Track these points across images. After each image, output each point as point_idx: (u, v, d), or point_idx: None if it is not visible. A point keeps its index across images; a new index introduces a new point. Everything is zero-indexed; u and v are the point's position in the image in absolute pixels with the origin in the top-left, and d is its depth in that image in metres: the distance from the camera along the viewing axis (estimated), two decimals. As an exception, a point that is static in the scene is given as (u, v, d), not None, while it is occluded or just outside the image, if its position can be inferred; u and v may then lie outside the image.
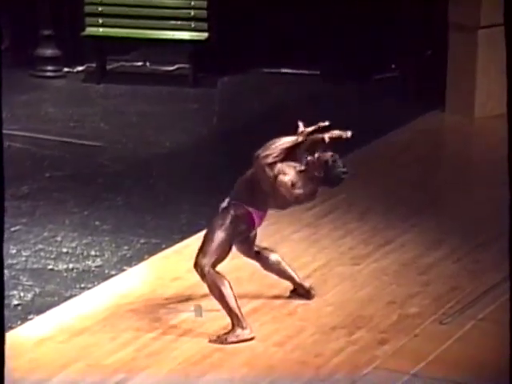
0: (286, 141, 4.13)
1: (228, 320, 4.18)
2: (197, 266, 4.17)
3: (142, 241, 5.17)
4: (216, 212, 4.24)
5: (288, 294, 4.46)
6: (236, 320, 4.12)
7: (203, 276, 4.15)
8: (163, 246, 5.06)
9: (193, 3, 7.71)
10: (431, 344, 4.11)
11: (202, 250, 4.18)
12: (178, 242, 5.07)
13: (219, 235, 4.15)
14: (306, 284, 4.47)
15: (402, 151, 6.46)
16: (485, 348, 4.01)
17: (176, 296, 4.49)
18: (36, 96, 7.44)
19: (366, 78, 7.65)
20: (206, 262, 4.14)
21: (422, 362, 3.99)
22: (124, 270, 4.84)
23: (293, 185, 4.11)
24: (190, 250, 4.99)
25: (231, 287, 4.12)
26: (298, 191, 4.13)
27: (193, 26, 7.70)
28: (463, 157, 6.47)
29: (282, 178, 4.09)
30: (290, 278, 4.44)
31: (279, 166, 4.11)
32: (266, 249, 4.40)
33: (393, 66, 7.80)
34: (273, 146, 4.10)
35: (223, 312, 4.25)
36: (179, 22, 7.70)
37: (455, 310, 4.38)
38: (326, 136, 4.15)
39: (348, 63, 7.69)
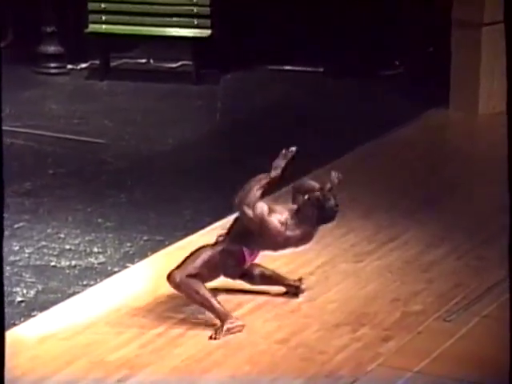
0: (261, 179, 4.10)
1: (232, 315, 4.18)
2: (169, 278, 4.16)
3: (145, 238, 5.16)
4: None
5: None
6: (223, 316, 4.11)
7: (177, 286, 4.14)
8: (166, 243, 5.05)
9: (195, 0, 7.70)
10: (435, 341, 4.10)
11: (179, 265, 4.17)
12: (181, 239, 5.06)
13: (202, 256, 4.14)
14: (293, 281, 4.41)
15: (405, 148, 6.45)
16: (489, 345, 4.00)
17: (179, 293, 4.49)
18: (39, 93, 7.44)
19: (370, 74, 7.64)
20: (179, 273, 4.13)
21: (425, 359, 3.98)
22: (127, 267, 4.84)
23: (282, 224, 4.07)
24: (194, 246, 4.96)
25: (205, 287, 4.11)
26: (289, 233, 4.09)
27: (196, 23, 7.69)
28: (467, 153, 6.45)
29: (268, 218, 4.05)
30: (277, 281, 4.42)
31: (270, 206, 4.09)
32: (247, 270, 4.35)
33: (396, 62, 7.78)
34: (249, 187, 4.08)
35: (227, 309, 4.24)
36: (182, 19, 7.69)
37: (459, 307, 4.37)
38: (336, 179, 4.21)
39: (351, 60, 7.68)
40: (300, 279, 4.44)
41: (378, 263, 4.81)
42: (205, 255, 4.15)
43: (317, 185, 4.19)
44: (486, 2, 6.80)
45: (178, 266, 4.18)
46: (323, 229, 5.15)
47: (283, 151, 4.17)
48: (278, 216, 4.09)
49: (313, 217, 4.11)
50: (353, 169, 6.07)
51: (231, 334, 4.11)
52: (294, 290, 4.43)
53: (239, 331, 4.13)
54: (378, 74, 7.71)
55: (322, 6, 7.72)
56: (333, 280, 4.63)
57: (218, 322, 4.20)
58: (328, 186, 4.19)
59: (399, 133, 6.68)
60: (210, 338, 4.09)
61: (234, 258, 4.16)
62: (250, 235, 4.13)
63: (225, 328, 4.10)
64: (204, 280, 4.15)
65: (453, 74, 7.01)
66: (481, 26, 6.84)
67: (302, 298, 4.44)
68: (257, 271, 4.37)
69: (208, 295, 4.11)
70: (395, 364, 3.96)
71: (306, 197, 4.12)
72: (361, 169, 6.07)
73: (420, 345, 4.10)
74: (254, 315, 4.31)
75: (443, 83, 7.00)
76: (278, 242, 4.13)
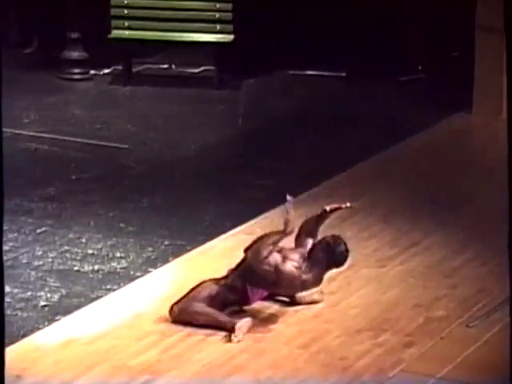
0: (275, 233, 4.16)
1: (254, 318, 4.18)
2: (170, 312, 4.21)
3: (167, 242, 5.18)
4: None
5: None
6: (229, 324, 4.13)
7: (178, 317, 4.17)
8: (188, 248, 5.07)
9: (218, 5, 7.72)
10: (457, 347, 4.08)
11: (180, 299, 4.21)
12: (202, 244, 5.07)
13: (204, 292, 4.17)
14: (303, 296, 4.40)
15: (428, 153, 6.42)
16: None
17: (201, 298, 4.49)
18: (63, 98, 7.49)
19: (393, 79, 7.61)
20: (178, 307, 4.18)
21: (448, 365, 3.96)
22: (149, 272, 4.85)
23: (297, 269, 4.12)
24: (215, 251, 4.99)
25: (204, 305, 4.13)
26: (305, 276, 4.14)
27: (218, 28, 7.71)
28: (490, 158, 6.41)
29: (284, 266, 4.11)
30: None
31: (283, 251, 4.14)
32: None
33: (419, 67, 7.75)
34: (260, 241, 4.14)
35: (248, 313, 4.24)
36: (204, 25, 7.71)
37: (482, 313, 4.34)
38: (328, 207, 4.25)
39: (374, 65, 7.66)
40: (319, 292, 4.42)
41: (400, 268, 4.79)
42: (207, 290, 4.19)
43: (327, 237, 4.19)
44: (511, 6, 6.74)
45: (180, 300, 4.22)
46: (344, 234, 5.15)
47: (284, 206, 4.18)
48: (293, 262, 4.16)
49: (323, 261, 4.17)
50: (374, 174, 6.05)
51: (246, 331, 4.11)
52: (307, 302, 4.42)
53: (250, 326, 4.13)
54: (401, 78, 7.68)
55: (344, 10, 7.71)
56: (355, 285, 4.61)
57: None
58: (327, 208, 4.20)
59: (422, 137, 6.65)
60: (230, 341, 4.10)
61: (236, 295, 4.19)
62: (261, 278, 4.15)
63: (237, 329, 4.10)
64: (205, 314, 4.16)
65: (476, 79, 6.97)
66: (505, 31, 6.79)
67: (324, 302, 4.44)
68: None
69: (209, 310, 4.14)
70: (418, 370, 3.94)
71: (317, 239, 4.20)
72: (382, 174, 6.05)
73: (443, 351, 4.08)
74: (276, 320, 4.30)
75: (467, 88, 6.97)
76: (295, 286, 4.18)
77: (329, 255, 4.16)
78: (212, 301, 4.15)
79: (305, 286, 4.20)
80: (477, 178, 6.08)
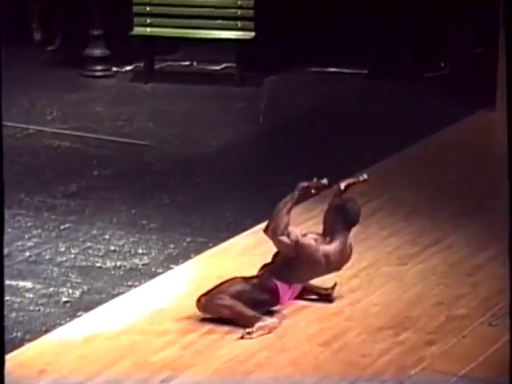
0: (286, 203, 4.15)
1: (277, 317, 4.18)
2: (198, 302, 4.19)
3: (189, 239, 5.19)
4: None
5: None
6: (253, 319, 4.11)
7: (204, 308, 4.16)
8: (209, 245, 5.07)
9: (239, 2, 7.73)
10: (479, 346, 4.06)
11: (208, 291, 4.19)
12: (224, 241, 5.08)
13: (232, 288, 4.14)
14: (325, 290, 4.40)
15: (450, 150, 6.39)
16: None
17: (222, 294, 4.49)
18: (85, 95, 7.52)
19: (416, 76, 7.58)
20: (205, 298, 4.16)
21: (470, 363, 3.94)
22: (171, 268, 4.87)
23: (316, 241, 4.15)
24: (236, 248, 5.00)
25: (230, 298, 4.11)
26: (326, 247, 4.16)
27: (239, 25, 7.71)
28: (513, 156, 6.36)
29: (303, 239, 4.13)
30: (309, 290, 4.39)
31: (296, 231, 4.15)
32: None
33: (442, 64, 7.70)
34: (277, 216, 4.14)
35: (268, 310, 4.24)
36: (226, 22, 7.71)
37: (504, 312, 4.31)
38: (342, 184, 4.27)
39: (396, 62, 7.62)
40: (334, 286, 4.41)
41: (422, 266, 4.78)
42: (237, 286, 4.17)
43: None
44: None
45: (208, 292, 4.21)
46: (366, 231, 5.15)
47: (314, 179, 4.21)
48: (311, 235, 4.18)
49: (339, 224, 4.17)
50: (396, 171, 6.03)
51: (265, 332, 4.10)
52: (325, 298, 4.42)
53: (274, 328, 4.13)
54: (424, 75, 7.64)
55: (366, 7, 7.68)
56: (376, 283, 4.60)
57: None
58: (342, 185, 4.24)
59: (444, 135, 6.62)
60: (242, 337, 4.09)
61: (267, 295, 4.17)
62: (292, 267, 4.15)
63: (256, 326, 4.10)
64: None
65: (500, 76, 6.92)
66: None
67: (345, 300, 4.43)
68: None
69: (236, 304, 4.12)
70: (439, 368, 3.92)
71: (326, 210, 4.20)
72: (404, 171, 6.03)
73: (464, 349, 4.06)
74: (297, 317, 4.30)
75: (491, 85, 6.92)
76: (318, 261, 4.17)
77: (341, 216, 4.16)
78: (241, 298, 4.13)
79: (329, 259, 4.17)
80: (500, 176, 6.03)
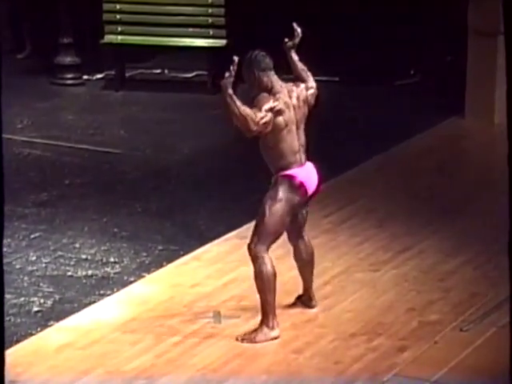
0: (226, 97, 4.41)
1: (247, 326, 4.18)
2: (250, 249, 4.16)
3: (161, 247, 5.17)
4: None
5: (293, 300, 4.43)
6: (266, 318, 4.12)
7: (255, 259, 4.14)
8: (181, 253, 5.06)
9: (211, 10, 7.74)
10: (451, 351, 4.09)
11: (255, 233, 4.15)
12: (196, 249, 5.07)
13: (272, 217, 4.11)
14: (313, 293, 4.43)
15: (421, 157, 6.44)
16: (505, 355, 3.97)
17: (195, 302, 4.49)
18: (56, 103, 7.48)
19: (386, 83, 7.63)
20: (260, 247, 4.12)
21: (442, 369, 3.96)
22: (143, 277, 4.85)
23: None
24: (209, 256, 4.99)
25: (275, 282, 4.11)
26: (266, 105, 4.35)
27: (211, 33, 7.72)
28: (483, 163, 6.43)
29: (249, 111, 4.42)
30: (306, 279, 4.41)
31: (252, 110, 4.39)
32: (307, 241, 4.36)
33: (411, 71, 7.77)
34: (234, 115, 4.38)
35: (242, 318, 4.24)
36: (197, 30, 7.72)
37: (475, 317, 4.35)
38: (290, 43, 4.64)
39: (366, 69, 7.67)
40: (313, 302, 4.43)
41: (394, 272, 4.80)
42: (273, 214, 4.09)
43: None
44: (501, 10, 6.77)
45: (254, 233, 4.13)
46: (338, 238, 5.16)
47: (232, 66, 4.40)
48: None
49: (255, 74, 4.47)
50: (368, 178, 6.06)
51: (266, 339, 4.12)
52: (306, 299, 4.42)
53: (273, 339, 4.13)
54: (394, 82, 7.70)
55: (336, 13, 7.72)
56: (348, 289, 4.62)
57: (235, 331, 4.20)
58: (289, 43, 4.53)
59: (415, 142, 6.67)
60: (242, 340, 4.11)
61: (295, 192, 4.15)
62: (271, 149, 4.29)
63: (263, 331, 4.10)
64: (280, 233, 4.14)
65: (469, 83, 6.99)
66: (497, 35, 6.82)
67: (318, 307, 4.44)
68: (308, 253, 4.34)
69: (271, 290, 4.09)
70: (411, 374, 3.94)
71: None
72: (376, 178, 6.06)
73: (436, 355, 4.08)
74: (270, 325, 4.29)
75: (459, 92, 6.99)
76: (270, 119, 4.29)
77: (255, 66, 4.42)
78: (283, 218, 4.10)
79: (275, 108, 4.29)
80: (471, 182, 6.09)
